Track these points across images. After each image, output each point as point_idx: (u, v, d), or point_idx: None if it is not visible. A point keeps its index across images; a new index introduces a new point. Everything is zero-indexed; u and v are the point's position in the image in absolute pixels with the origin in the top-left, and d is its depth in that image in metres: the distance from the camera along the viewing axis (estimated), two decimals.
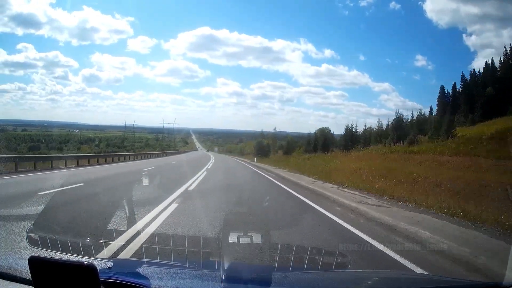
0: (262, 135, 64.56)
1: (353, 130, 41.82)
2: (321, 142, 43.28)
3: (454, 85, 46.04)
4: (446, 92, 46.25)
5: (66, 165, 21.94)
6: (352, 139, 39.68)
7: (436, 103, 46.80)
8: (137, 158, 38.42)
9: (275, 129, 67.48)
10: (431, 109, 47.60)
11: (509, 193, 8.52)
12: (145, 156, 43.26)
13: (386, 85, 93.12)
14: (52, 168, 20.00)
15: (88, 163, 25.30)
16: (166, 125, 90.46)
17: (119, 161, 31.91)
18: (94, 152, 43.03)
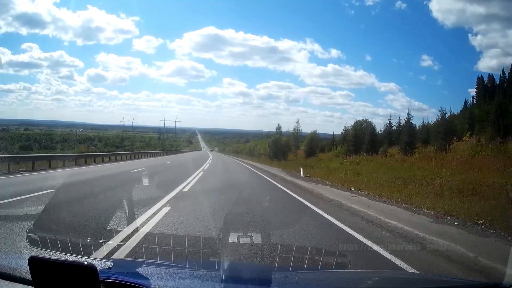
0: (279, 132, 48.65)
1: (412, 124, 30.05)
2: (366, 140, 31.12)
3: (491, 76, 39.94)
4: (485, 83, 39.68)
5: (33, 167, 17.95)
6: (414, 136, 28.29)
7: (474, 95, 39.53)
8: (128, 158, 36.19)
9: (297, 122, 52.28)
10: (465, 103, 39.92)
11: None
12: (137, 156, 41.25)
13: (392, 85, 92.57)
14: (8, 171, 15.85)
15: (72, 164, 22.11)
16: (170, 124, 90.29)
17: (106, 161, 29.34)
18: (90, 152, 41.74)
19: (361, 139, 31.91)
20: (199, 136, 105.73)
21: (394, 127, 33.21)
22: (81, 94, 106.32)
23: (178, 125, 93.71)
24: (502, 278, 3.34)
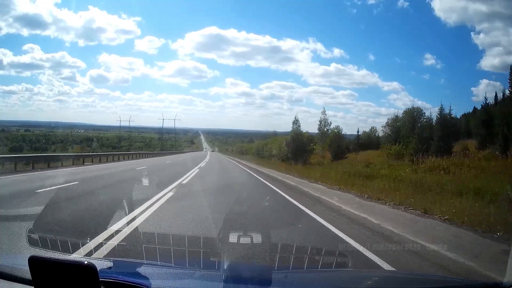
0: (297, 127, 35.34)
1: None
2: (436, 135, 21.95)
3: None
4: None
5: None
6: None
7: (508, 87, 35.92)
8: (124, 159, 35.76)
9: (323, 112, 35.30)
10: (496, 97, 38.03)
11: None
12: (131, 157, 40.19)
13: (395, 84, 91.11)
14: None
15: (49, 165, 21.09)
16: (171, 124, 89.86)
17: (88, 162, 27.52)
18: (85, 152, 41.13)
19: (422, 132, 23.45)
20: (202, 137, 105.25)
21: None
22: (84, 95, 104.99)
23: (181, 125, 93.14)
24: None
